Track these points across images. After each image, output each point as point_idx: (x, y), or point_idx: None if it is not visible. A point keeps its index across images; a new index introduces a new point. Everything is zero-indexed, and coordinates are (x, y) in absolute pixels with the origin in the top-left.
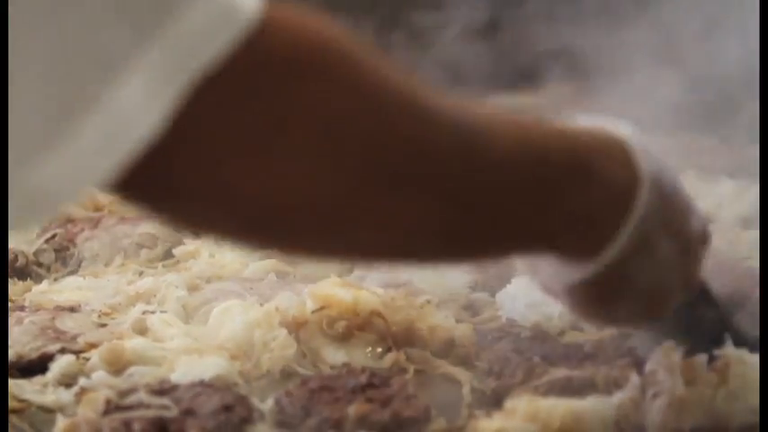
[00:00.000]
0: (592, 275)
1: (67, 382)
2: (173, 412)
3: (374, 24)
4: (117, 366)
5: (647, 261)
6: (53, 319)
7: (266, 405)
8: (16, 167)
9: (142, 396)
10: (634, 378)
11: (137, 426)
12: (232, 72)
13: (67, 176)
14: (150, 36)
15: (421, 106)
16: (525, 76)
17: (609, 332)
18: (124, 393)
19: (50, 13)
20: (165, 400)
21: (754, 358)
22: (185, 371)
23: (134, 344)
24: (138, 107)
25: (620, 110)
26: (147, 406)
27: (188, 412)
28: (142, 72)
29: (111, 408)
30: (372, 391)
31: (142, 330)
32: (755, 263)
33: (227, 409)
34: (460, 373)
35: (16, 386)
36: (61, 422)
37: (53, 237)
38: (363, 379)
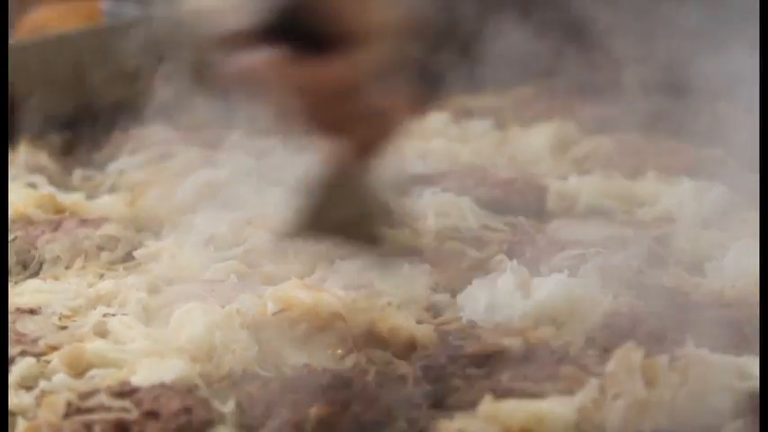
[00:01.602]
0: None
1: (28, 385)
2: (133, 415)
3: None
4: (78, 369)
5: None
6: (14, 321)
7: (227, 407)
8: None
9: (103, 399)
10: (593, 379)
11: (97, 428)
12: None
13: None
14: None
15: None
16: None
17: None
18: (85, 396)
19: None
20: (126, 403)
21: (715, 358)
22: (146, 373)
23: (95, 346)
24: None
25: (581, 110)
26: (108, 409)
27: (149, 415)
28: None
29: (71, 410)
30: (333, 393)
31: (103, 333)
32: (718, 263)
33: (188, 411)
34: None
35: None
36: (22, 425)
37: (14, 239)
38: (324, 381)
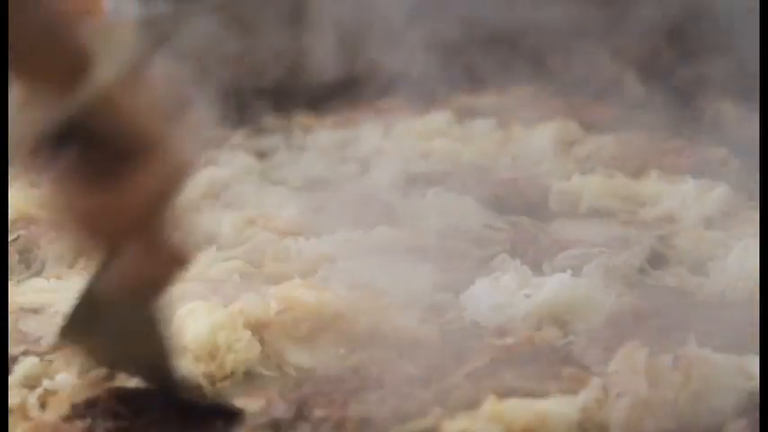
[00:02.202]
0: None
1: (31, 384)
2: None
3: None
4: (81, 368)
5: None
6: (17, 321)
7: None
8: None
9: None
10: (596, 379)
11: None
12: None
13: None
14: None
15: None
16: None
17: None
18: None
19: None
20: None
21: (718, 358)
22: None
23: None
24: None
25: (583, 109)
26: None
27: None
28: None
29: (75, 411)
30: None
31: None
32: (721, 263)
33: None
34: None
35: None
36: (24, 425)
37: (16, 238)
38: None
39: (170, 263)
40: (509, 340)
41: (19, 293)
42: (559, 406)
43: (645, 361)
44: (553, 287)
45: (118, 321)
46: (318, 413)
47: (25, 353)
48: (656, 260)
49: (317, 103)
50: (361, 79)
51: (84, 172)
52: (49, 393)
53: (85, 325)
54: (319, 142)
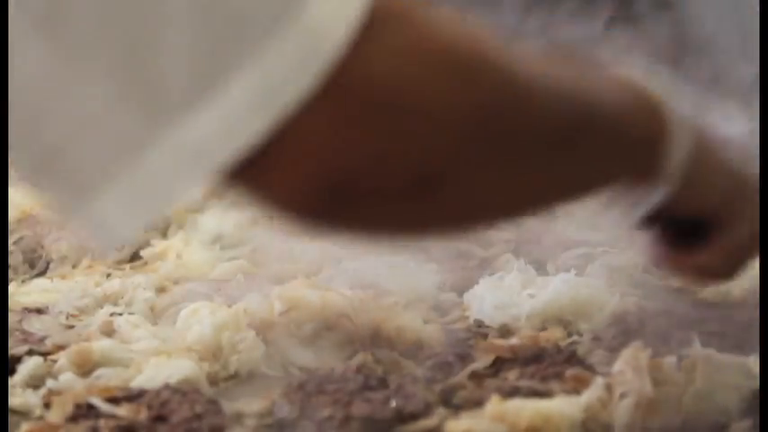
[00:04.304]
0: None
1: (35, 384)
2: (142, 417)
3: None
4: (84, 368)
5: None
6: (20, 321)
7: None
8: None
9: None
10: (600, 379)
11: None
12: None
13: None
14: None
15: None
16: None
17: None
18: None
19: None
20: (133, 405)
21: (722, 358)
22: (153, 373)
23: (102, 346)
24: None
25: None
26: (115, 413)
27: (158, 419)
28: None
29: (80, 412)
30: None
31: (110, 332)
32: None
33: (199, 417)
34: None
35: None
36: (27, 425)
37: (20, 239)
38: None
39: None
40: (513, 340)
41: (23, 293)
42: (563, 406)
43: (649, 361)
44: (557, 287)
45: None
46: (322, 413)
47: (29, 353)
48: None
49: None
50: None
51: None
52: (53, 393)
53: None
54: None
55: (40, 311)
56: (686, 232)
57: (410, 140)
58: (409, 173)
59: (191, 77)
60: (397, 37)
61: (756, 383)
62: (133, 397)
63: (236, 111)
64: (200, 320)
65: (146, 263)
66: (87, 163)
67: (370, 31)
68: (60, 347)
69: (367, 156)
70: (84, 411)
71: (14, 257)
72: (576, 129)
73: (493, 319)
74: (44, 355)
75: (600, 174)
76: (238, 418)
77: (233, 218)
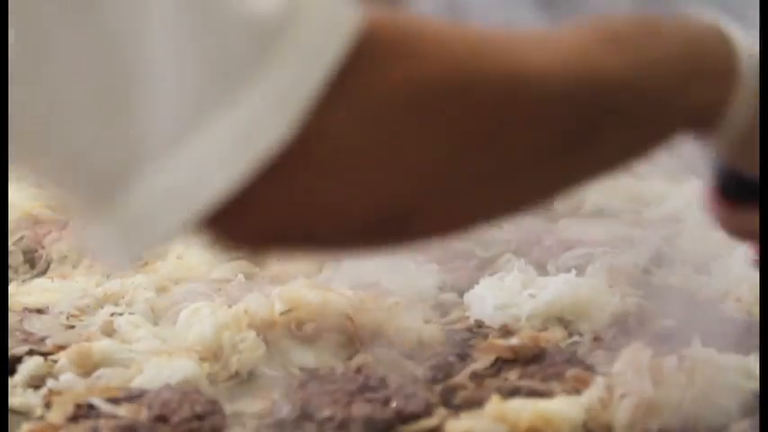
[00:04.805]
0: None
1: (36, 384)
2: (142, 417)
3: None
4: (85, 368)
5: None
6: (21, 320)
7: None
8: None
9: (111, 401)
10: (601, 379)
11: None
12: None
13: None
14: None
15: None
16: None
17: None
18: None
19: None
20: (134, 405)
21: (722, 358)
22: (154, 373)
23: (102, 346)
24: (268, 111)
25: None
26: (116, 413)
27: (159, 419)
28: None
29: (80, 412)
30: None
31: (110, 332)
32: (724, 262)
33: (200, 417)
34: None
35: None
36: (28, 425)
37: (21, 239)
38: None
39: None
40: (513, 340)
41: (23, 293)
42: (564, 406)
43: (649, 361)
44: (558, 287)
45: None
46: (322, 413)
47: (30, 353)
48: (661, 260)
49: None
50: None
51: None
52: (53, 393)
53: None
54: None
55: (40, 311)
56: (749, 189)
57: (376, 189)
58: (372, 216)
59: (172, 120)
60: (378, 78)
61: (756, 384)
62: (134, 397)
63: (209, 160)
64: (200, 320)
65: (146, 263)
66: (81, 194)
67: (352, 74)
68: (61, 347)
69: (328, 206)
70: (85, 411)
71: (15, 257)
72: (599, 116)
73: (493, 319)
74: (45, 355)
75: (647, 138)
76: (239, 418)
77: None
